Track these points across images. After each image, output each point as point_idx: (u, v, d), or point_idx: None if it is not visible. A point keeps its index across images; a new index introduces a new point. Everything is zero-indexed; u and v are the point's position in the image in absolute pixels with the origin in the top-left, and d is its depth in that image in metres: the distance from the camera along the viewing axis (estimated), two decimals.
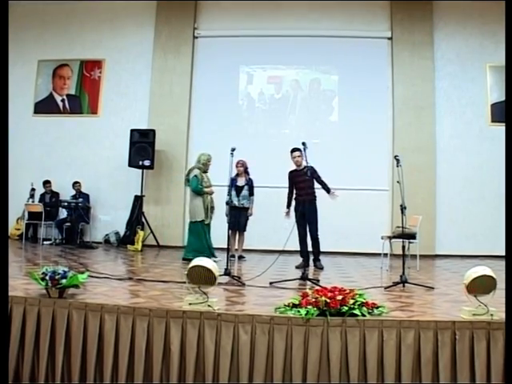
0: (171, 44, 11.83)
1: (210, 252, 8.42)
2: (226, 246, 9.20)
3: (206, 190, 8.64)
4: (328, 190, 8.36)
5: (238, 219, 9.10)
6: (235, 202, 9.12)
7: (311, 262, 8.34)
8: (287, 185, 8.53)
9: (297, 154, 8.30)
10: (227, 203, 8.93)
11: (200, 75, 11.88)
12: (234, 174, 9.23)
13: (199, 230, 8.57)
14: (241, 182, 9.24)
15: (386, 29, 11.62)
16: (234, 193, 9.15)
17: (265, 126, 11.80)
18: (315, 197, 8.38)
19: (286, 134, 11.57)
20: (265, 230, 10.61)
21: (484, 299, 4.17)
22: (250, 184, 9.22)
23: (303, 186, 8.13)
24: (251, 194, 9.21)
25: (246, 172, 9.29)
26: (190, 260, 8.14)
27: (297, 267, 8.13)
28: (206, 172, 8.79)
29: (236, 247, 9.27)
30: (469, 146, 11.29)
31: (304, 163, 6.93)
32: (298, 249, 8.30)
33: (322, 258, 8.46)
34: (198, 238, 8.55)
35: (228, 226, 9.18)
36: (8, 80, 5.35)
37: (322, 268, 8.18)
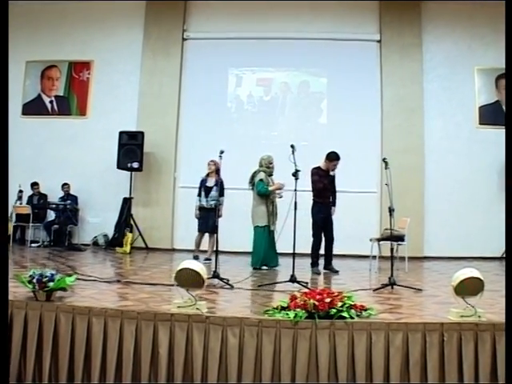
0: (160, 45, 11.80)
1: (274, 258, 8.37)
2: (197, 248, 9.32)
3: (271, 188, 8.34)
4: (335, 202, 8.50)
5: (207, 220, 9.01)
6: (204, 202, 9.10)
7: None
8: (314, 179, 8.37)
9: (338, 162, 8.32)
10: (199, 209, 8.97)
11: (189, 77, 11.86)
12: (205, 175, 9.33)
13: (262, 236, 8.34)
14: (210, 182, 9.19)
15: (375, 31, 11.66)
16: (203, 193, 9.14)
17: (254, 128, 11.79)
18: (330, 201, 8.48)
19: (275, 136, 11.56)
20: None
21: (472, 301, 4.19)
22: (220, 185, 9.08)
23: (329, 189, 8.37)
24: (221, 194, 9.12)
25: (217, 173, 9.16)
26: (259, 269, 8.16)
27: (316, 273, 8.07)
28: (271, 175, 8.54)
29: (201, 248, 9.26)
30: (458, 147, 11.35)
31: (296, 166, 6.90)
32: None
33: (309, 259, 8.44)
34: (260, 244, 8.33)
35: (198, 228, 9.23)
36: (8, 80, 5.30)
37: (337, 271, 8.20)
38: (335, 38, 11.62)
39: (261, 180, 8.35)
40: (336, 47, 11.64)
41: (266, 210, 8.33)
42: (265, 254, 8.30)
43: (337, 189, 8.57)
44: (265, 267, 8.27)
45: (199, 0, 11.94)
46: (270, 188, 8.32)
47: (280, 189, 8.37)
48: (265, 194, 8.33)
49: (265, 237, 8.32)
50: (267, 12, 11.71)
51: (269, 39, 11.71)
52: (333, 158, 8.29)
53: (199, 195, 9.17)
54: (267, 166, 8.47)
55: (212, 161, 9.14)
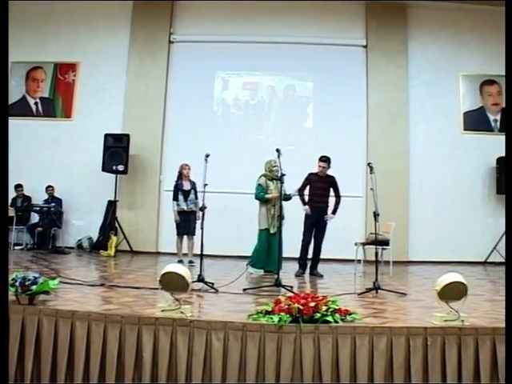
0: (147, 48, 11.76)
1: (273, 263, 7.95)
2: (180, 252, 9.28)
3: (268, 196, 8.21)
4: (336, 208, 8.36)
5: (188, 224, 9.08)
6: (184, 206, 9.10)
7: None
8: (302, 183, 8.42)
9: (322, 164, 8.31)
10: (179, 212, 8.94)
11: (175, 80, 11.83)
12: (178, 179, 9.35)
13: (262, 239, 8.26)
14: (187, 185, 9.25)
15: (361, 37, 11.73)
16: (181, 197, 9.13)
17: (240, 132, 11.80)
18: (328, 206, 8.39)
19: (261, 140, 11.57)
20: (239, 235, 10.58)
21: (455, 305, 4.22)
22: (195, 187, 9.19)
23: (321, 194, 8.31)
24: (196, 197, 9.16)
25: (189, 176, 9.32)
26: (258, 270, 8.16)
27: (297, 275, 8.11)
28: (273, 179, 8.33)
29: (186, 252, 9.27)
30: (442, 153, 11.44)
31: (281, 170, 6.92)
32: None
33: (295, 263, 8.46)
34: (261, 247, 8.24)
35: (178, 232, 9.20)
36: (8, 81, 5.27)
37: (322, 276, 8.14)
38: (322, 42, 11.66)
39: (259, 185, 8.34)
40: (322, 52, 11.67)
41: (266, 213, 8.29)
42: (263, 256, 8.23)
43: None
44: (260, 270, 8.22)
45: (187, 0, 11.93)
46: (267, 196, 8.25)
47: (275, 198, 8.15)
48: (260, 200, 8.34)
49: (264, 240, 8.26)
50: (254, 16, 11.74)
51: (255, 43, 11.73)
52: (318, 159, 8.36)
53: (176, 199, 9.14)
54: (269, 170, 8.41)
55: (187, 164, 9.22)
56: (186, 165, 9.25)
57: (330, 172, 8.48)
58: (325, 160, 8.33)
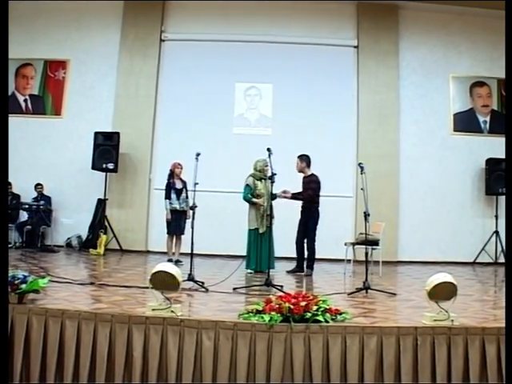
0: (138, 46, 11.72)
1: (264, 263, 7.81)
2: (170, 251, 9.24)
3: (254, 200, 8.24)
4: (294, 196, 8.40)
5: (179, 223, 9.08)
6: (176, 205, 9.08)
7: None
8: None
9: (296, 160, 8.56)
10: (171, 211, 8.91)
11: (166, 78, 11.80)
12: (170, 177, 9.28)
13: (252, 239, 8.25)
14: (179, 184, 9.22)
15: (353, 37, 11.76)
16: (174, 196, 9.10)
17: (230, 131, 11.74)
18: (317, 203, 8.41)
19: (253, 140, 11.51)
20: (228, 234, 10.58)
21: (445, 305, 4.23)
22: (186, 186, 9.18)
23: (302, 193, 8.42)
24: (187, 196, 9.16)
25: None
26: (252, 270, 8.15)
27: (288, 272, 8.21)
28: (263, 179, 8.37)
29: (173, 251, 9.24)
30: (431, 154, 11.49)
31: (272, 170, 6.94)
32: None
33: (285, 263, 8.48)
34: (252, 247, 8.23)
35: (168, 231, 9.17)
36: (8, 80, 5.23)
37: (309, 275, 8.13)
38: (313, 42, 11.67)
39: (247, 185, 8.33)
40: (313, 52, 11.68)
41: (255, 213, 8.29)
42: (253, 257, 8.23)
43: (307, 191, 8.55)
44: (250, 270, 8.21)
45: (178, 0, 11.91)
46: (254, 200, 8.27)
47: (261, 205, 8.28)
48: (247, 201, 8.34)
49: (254, 240, 8.27)
50: (245, 15, 11.73)
51: (246, 42, 11.72)
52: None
53: (169, 198, 9.09)
54: (260, 170, 8.41)
55: (179, 164, 9.20)
56: (179, 164, 9.22)
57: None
58: (298, 157, 8.59)
